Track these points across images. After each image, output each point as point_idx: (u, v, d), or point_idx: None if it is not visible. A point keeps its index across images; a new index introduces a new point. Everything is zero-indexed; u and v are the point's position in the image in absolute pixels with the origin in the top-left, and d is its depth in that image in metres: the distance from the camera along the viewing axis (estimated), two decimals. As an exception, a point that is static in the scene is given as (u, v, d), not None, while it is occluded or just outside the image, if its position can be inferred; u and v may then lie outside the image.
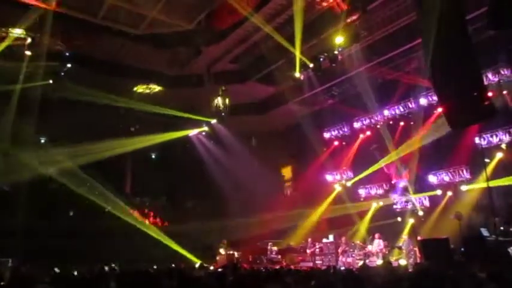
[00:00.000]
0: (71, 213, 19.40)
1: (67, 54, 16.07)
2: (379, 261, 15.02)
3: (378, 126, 19.05)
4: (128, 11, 15.30)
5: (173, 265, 14.75)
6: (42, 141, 19.35)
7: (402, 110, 18.11)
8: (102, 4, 14.55)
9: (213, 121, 20.42)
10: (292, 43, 15.20)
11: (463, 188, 15.97)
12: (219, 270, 8.06)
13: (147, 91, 19.25)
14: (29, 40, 14.85)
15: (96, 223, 17.50)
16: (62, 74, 16.70)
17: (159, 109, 19.09)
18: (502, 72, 14.93)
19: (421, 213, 17.13)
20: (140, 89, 19.19)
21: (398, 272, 7.28)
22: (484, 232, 12.65)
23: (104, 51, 17.58)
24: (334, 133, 21.06)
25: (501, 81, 14.86)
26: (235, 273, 7.96)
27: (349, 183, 20.35)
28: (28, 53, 15.20)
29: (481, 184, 14.88)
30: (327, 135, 21.32)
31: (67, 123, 17.23)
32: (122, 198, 19.48)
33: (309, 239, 18.60)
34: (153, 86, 18.98)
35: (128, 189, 21.32)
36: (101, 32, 16.18)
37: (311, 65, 16.37)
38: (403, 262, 14.48)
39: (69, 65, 16.40)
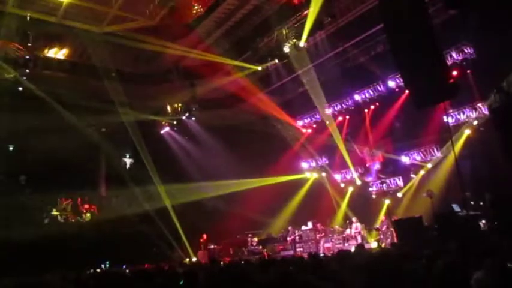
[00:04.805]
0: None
1: (27, 57, 15.47)
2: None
3: (347, 116, 19.21)
4: (88, 8, 14.95)
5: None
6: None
7: (372, 93, 18.27)
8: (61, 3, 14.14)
9: (184, 116, 20.24)
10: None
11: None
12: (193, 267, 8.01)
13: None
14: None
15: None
16: (24, 78, 16.18)
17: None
18: (466, 51, 15.23)
19: (400, 194, 17.38)
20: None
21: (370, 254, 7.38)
22: (456, 208, 12.95)
23: (67, 53, 17.20)
24: (307, 121, 21.17)
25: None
26: (212, 268, 7.92)
27: (323, 173, 20.60)
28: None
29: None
30: (299, 123, 21.41)
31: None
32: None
33: (289, 227, 18.70)
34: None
35: (103, 191, 20.95)
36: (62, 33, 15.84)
37: (276, 61, 16.43)
38: (374, 245, 14.67)
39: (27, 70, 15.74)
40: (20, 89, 16.08)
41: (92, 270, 14.21)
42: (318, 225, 17.91)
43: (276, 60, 16.55)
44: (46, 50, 16.96)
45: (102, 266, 17.39)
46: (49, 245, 15.41)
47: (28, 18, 14.59)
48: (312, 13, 14.25)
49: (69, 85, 17.07)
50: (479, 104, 15.14)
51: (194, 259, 18.00)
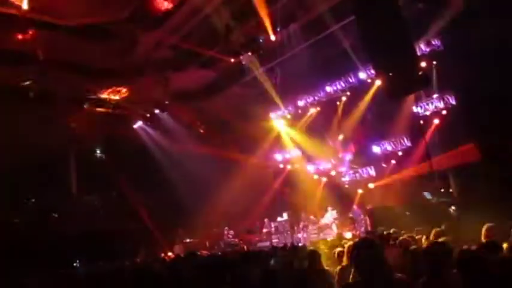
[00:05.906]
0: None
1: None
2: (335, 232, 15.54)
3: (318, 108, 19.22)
4: (54, 1, 14.46)
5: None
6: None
7: (343, 85, 18.49)
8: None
9: (156, 111, 19.96)
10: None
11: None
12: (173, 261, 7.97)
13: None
14: None
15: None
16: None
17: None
18: (433, 43, 15.63)
19: (371, 185, 17.70)
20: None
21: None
22: (427, 195, 13.40)
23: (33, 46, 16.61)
24: (280, 113, 21.22)
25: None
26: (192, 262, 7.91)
27: (297, 165, 20.76)
28: None
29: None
30: (273, 115, 21.44)
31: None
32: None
33: (266, 219, 18.84)
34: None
35: (74, 189, 20.48)
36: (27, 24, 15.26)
37: (249, 54, 16.39)
38: (349, 235, 14.92)
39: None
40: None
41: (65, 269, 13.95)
42: (302, 214, 18.15)
43: (250, 53, 16.46)
44: (10, 44, 16.34)
45: (74, 264, 17.12)
46: (21, 245, 15.08)
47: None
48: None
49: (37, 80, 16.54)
50: (447, 95, 15.61)
51: (170, 254, 17.88)
